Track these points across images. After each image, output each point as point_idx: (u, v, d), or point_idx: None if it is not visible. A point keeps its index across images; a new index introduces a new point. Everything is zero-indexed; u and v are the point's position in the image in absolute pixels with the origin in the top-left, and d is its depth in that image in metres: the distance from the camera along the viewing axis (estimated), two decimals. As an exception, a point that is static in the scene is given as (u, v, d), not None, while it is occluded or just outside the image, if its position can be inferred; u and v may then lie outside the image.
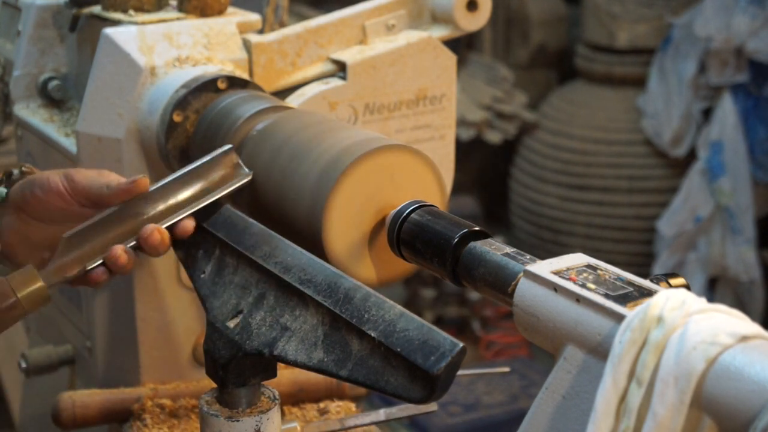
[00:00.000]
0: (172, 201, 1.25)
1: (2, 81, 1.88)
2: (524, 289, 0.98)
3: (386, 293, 1.07)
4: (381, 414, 1.45)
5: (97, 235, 1.22)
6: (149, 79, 1.51)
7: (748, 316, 0.85)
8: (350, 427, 1.45)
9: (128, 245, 1.22)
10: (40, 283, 1.18)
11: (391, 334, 1.00)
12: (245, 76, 1.54)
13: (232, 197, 1.36)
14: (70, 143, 1.61)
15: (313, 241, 1.20)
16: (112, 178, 1.24)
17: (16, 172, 1.31)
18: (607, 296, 0.92)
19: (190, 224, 1.25)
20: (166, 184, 1.25)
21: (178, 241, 1.28)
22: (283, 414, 1.45)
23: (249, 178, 1.29)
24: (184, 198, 1.26)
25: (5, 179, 1.30)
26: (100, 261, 1.21)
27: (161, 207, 1.25)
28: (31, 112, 1.76)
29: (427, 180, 1.22)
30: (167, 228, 1.23)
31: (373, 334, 1.01)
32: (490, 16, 1.65)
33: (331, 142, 1.24)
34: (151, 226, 1.21)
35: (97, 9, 1.64)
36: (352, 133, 1.28)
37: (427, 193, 1.21)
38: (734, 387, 0.79)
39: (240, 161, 1.30)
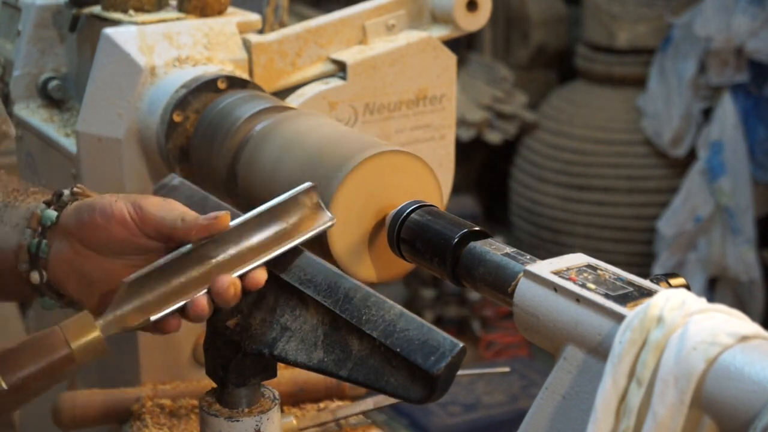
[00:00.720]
0: (245, 245, 1.10)
1: (2, 81, 1.88)
2: (524, 289, 0.98)
3: (386, 293, 1.07)
4: (369, 403, 1.46)
5: (160, 282, 1.08)
6: (149, 79, 1.51)
7: (748, 316, 0.85)
8: (342, 418, 1.46)
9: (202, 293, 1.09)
10: (96, 333, 1.06)
11: (391, 334, 1.00)
12: (245, 76, 1.54)
13: (229, 197, 1.36)
14: (70, 143, 1.61)
15: (314, 241, 1.20)
16: (185, 211, 1.10)
17: (66, 192, 1.18)
18: (607, 296, 0.92)
19: (262, 276, 1.10)
20: (239, 224, 1.10)
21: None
22: (282, 414, 1.45)
23: (333, 223, 1.15)
24: (258, 242, 1.11)
25: (55, 200, 1.17)
26: (167, 312, 1.08)
27: (232, 251, 1.10)
28: (31, 112, 1.76)
29: (426, 182, 1.22)
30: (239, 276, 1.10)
31: (373, 334, 1.01)
32: (490, 16, 1.65)
33: (333, 145, 1.24)
34: (226, 279, 1.07)
35: (97, 9, 1.64)
36: (352, 136, 1.28)
37: (426, 195, 1.21)
38: (734, 387, 0.79)
39: (321, 202, 1.15)
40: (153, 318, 1.08)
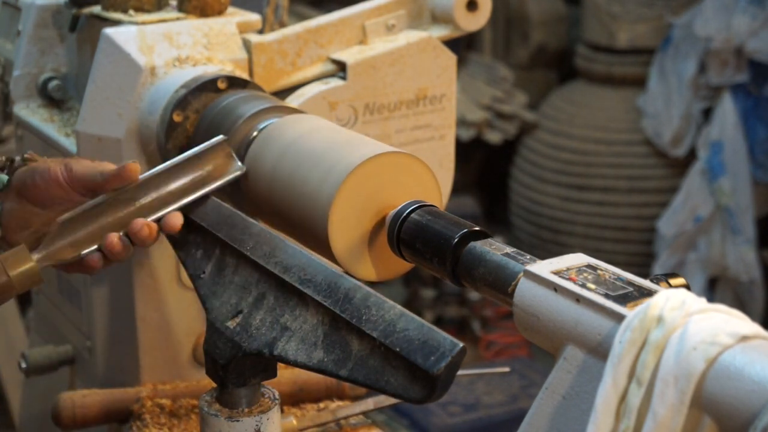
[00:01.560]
0: (164, 190, 1.27)
1: (2, 81, 1.88)
2: (524, 289, 0.98)
3: (386, 293, 1.07)
4: (369, 403, 1.46)
5: (91, 221, 1.24)
6: (149, 79, 1.51)
7: (748, 316, 0.85)
8: (342, 418, 1.46)
9: (122, 234, 1.24)
10: (32, 263, 1.20)
11: (391, 334, 1.00)
12: (245, 76, 1.54)
13: (229, 196, 1.36)
14: (70, 143, 1.61)
15: (316, 239, 1.20)
16: (107, 166, 1.26)
17: (18, 159, 1.33)
18: (607, 296, 0.92)
19: (177, 220, 1.26)
20: (158, 172, 1.27)
21: (178, 241, 1.28)
22: (282, 414, 1.45)
23: (242, 171, 1.31)
24: (176, 188, 1.27)
25: (8, 165, 1.32)
26: (95, 247, 1.24)
27: (153, 195, 1.26)
28: (31, 112, 1.76)
29: (426, 182, 1.22)
30: (157, 219, 1.26)
31: (373, 334, 1.01)
32: (490, 16, 1.65)
33: (333, 147, 1.24)
34: (139, 222, 1.24)
35: (97, 9, 1.63)
36: (352, 137, 1.28)
37: (426, 195, 1.21)
38: (734, 387, 0.79)
39: (233, 153, 1.31)
40: (83, 252, 1.22)
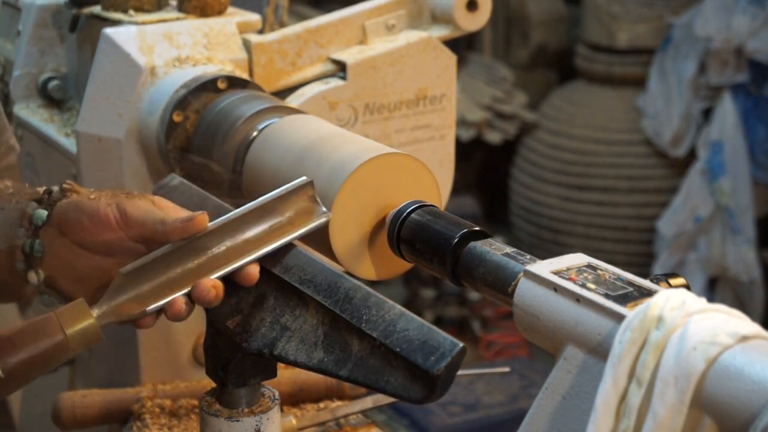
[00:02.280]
0: (239, 239, 1.12)
1: (2, 81, 1.88)
2: (524, 289, 0.98)
3: (386, 293, 1.07)
4: (368, 401, 1.46)
5: (156, 273, 1.09)
6: (149, 79, 1.51)
7: (748, 316, 0.85)
8: (342, 417, 1.46)
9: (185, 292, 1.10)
10: (91, 320, 1.06)
11: (391, 334, 1.00)
12: (245, 76, 1.54)
13: (230, 196, 1.36)
14: (70, 143, 1.61)
15: (317, 238, 1.20)
16: (168, 212, 1.11)
17: (56, 189, 1.19)
18: (607, 296, 0.92)
19: (254, 271, 1.11)
20: (234, 217, 1.12)
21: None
22: (282, 414, 1.45)
23: (328, 218, 1.15)
24: (253, 235, 1.12)
25: (45, 198, 1.17)
26: (161, 305, 1.09)
27: (228, 244, 1.11)
28: (31, 112, 1.76)
29: (425, 183, 1.22)
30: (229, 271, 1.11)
31: (373, 334, 1.01)
32: (490, 16, 1.65)
33: (334, 148, 1.25)
34: (206, 284, 1.08)
35: (97, 9, 1.64)
36: (352, 138, 1.29)
37: (425, 196, 1.21)
38: (734, 387, 0.79)
39: (317, 197, 1.15)
40: (149, 309, 1.08)
